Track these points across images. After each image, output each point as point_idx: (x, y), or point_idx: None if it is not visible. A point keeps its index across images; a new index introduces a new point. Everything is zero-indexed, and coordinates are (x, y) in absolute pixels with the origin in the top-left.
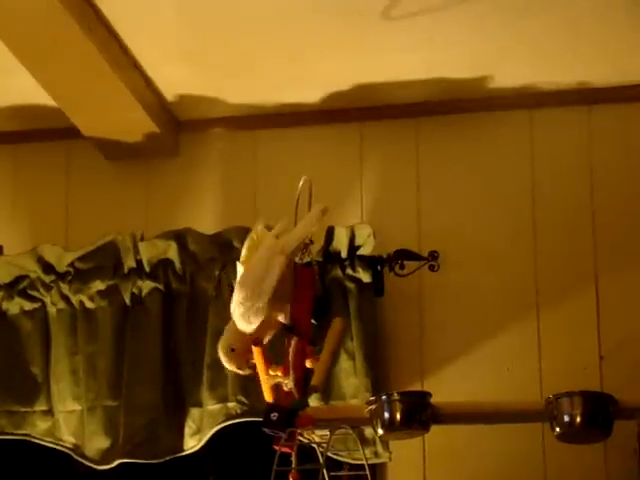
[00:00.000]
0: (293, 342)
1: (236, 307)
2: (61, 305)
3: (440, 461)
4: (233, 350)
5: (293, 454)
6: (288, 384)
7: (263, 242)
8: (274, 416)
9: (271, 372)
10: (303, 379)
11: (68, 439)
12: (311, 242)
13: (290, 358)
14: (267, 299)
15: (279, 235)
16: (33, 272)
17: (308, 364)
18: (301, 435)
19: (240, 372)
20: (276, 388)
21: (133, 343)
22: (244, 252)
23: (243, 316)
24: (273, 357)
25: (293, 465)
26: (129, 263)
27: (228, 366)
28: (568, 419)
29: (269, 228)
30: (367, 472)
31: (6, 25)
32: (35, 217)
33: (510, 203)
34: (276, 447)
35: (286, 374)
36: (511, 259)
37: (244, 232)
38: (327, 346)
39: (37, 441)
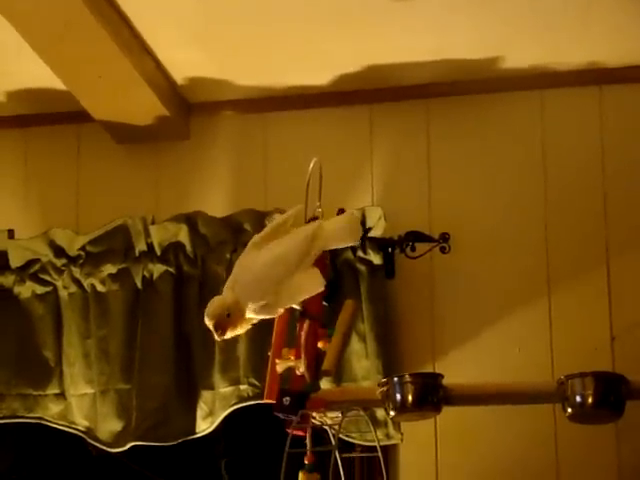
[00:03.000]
0: (305, 325)
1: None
2: (73, 289)
3: (452, 442)
4: (229, 315)
5: (308, 436)
6: (300, 367)
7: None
8: (287, 400)
9: (284, 355)
10: (315, 362)
11: (81, 422)
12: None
13: (302, 341)
14: (286, 307)
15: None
16: (45, 256)
17: (320, 345)
18: (313, 417)
19: (215, 335)
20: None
21: (145, 326)
22: (269, 229)
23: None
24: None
25: (308, 447)
26: (140, 246)
27: (207, 321)
28: (580, 400)
29: (281, 211)
30: (379, 453)
31: (16, 9)
32: (46, 201)
33: (521, 184)
34: (289, 430)
35: (298, 357)
36: (522, 240)
37: (255, 215)
38: (338, 329)
39: (50, 424)
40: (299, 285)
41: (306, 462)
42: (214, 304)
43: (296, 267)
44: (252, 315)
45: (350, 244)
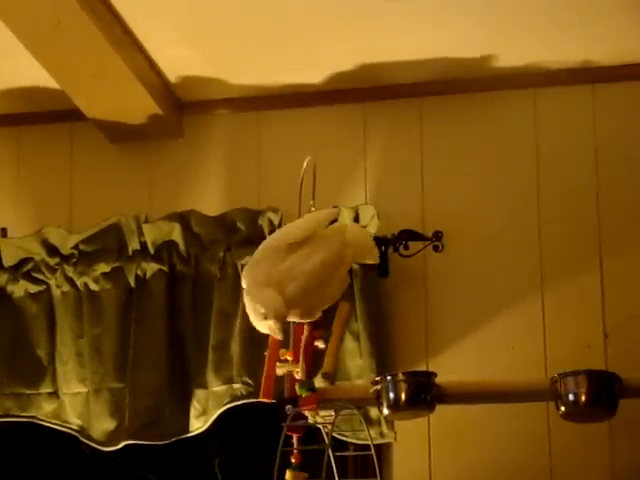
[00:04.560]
0: (306, 331)
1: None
2: (66, 287)
3: (445, 441)
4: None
5: (294, 436)
6: (299, 373)
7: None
8: (289, 409)
9: (281, 355)
10: (312, 367)
11: (74, 421)
12: None
13: (302, 347)
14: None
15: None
16: (38, 255)
17: (317, 343)
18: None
19: (277, 334)
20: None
21: (138, 325)
22: (302, 232)
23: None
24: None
25: (295, 446)
26: (133, 245)
27: (273, 323)
28: (573, 398)
29: (274, 209)
30: (372, 452)
31: (8, 7)
32: (39, 199)
33: (514, 182)
34: (292, 434)
35: (296, 361)
36: (515, 238)
37: (248, 213)
38: (335, 332)
39: (43, 423)
40: (333, 290)
41: (293, 461)
42: (274, 305)
43: (335, 274)
44: (294, 319)
45: (371, 262)
